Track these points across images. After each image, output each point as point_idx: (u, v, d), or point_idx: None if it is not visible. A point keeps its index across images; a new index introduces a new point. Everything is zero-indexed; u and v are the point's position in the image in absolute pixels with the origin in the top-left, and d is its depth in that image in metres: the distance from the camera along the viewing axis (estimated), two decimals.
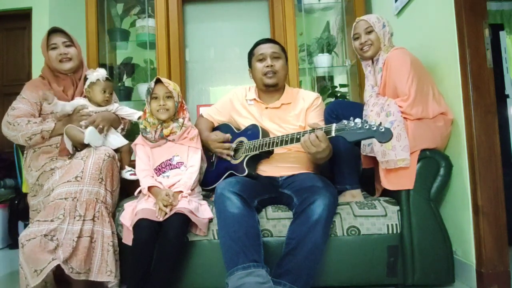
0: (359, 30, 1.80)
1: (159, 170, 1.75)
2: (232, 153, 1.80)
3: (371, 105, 1.70)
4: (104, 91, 1.82)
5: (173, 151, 1.77)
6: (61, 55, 1.83)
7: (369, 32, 1.77)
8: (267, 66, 1.81)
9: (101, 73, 1.80)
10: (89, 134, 1.67)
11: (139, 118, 1.86)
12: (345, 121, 1.38)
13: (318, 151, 1.44)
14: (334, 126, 1.40)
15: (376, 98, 1.71)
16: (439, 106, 1.64)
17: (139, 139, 1.81)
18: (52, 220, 1.51)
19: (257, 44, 1.89)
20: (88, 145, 1.73)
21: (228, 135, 1.83)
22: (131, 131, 1.94)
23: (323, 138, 1.42)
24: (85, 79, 1.84)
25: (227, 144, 1.81)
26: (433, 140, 1.62)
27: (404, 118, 1.59)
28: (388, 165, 1.58)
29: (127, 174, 1.78)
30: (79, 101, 1.82)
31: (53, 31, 1.87)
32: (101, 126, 1.76)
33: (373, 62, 1.81)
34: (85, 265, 1.51)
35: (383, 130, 1.31)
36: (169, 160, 1.75)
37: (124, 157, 1.82)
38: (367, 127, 1.33)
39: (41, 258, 1.45)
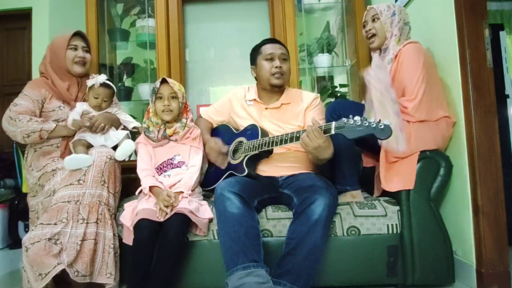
0: (367, 18, 1.81)
1: (161, 169, 1.75)
2: (226, 164, 1.80)
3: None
4: (96, 97, 1.81)
5: (175, 151, 1.77)
6: (79, 58, 1.86)
7: (375, 20, 1.76)
8: (276, 67, 1.80)
9: (98, 79, 1.80)
10: (67, 163, 1.63)
11: (134, 128, 1.88)
12: (344, 119, 1.38)
13: (314, 147, 1.42)
14: (333, 124, 1.40)
15: None
16: (443, 110, 1.63)
17: (141, 138, 1.81)
18: (55, 224, 1.52)
19: (265, 42, 1.88)
20: (91, 146, 1.74)
21: (225, 148, 1.81)
22: (132, 133, 1.95)
23: (317, 132, 1.41)
24: None
25: (221, 156, 1.80)
26: (434, 141, 1.62)
27: (407, 121, 1.58)
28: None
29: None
30: (83, 106, 1.82)
31: (78, 33, 1.91)
32: (102, 125, 1.77)
33: (380, 52, 1.80)
34: (90, 267, 1.52)
35: (382, 127, 1.31)
36: (171, 159, 1.76)
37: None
38: (367, 124, 1.33)
39: (46, 262, 1.45)
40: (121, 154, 1.72)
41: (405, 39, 1.73)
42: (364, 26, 1.83)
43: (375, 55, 1.84)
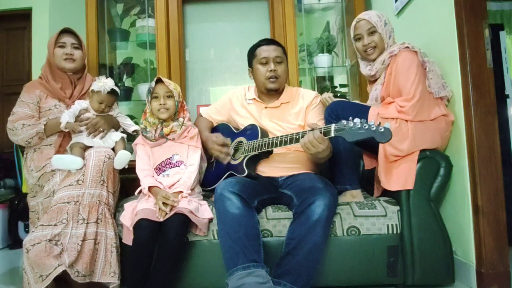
0: (361, 31, 1.77)
1: (159, 169, 1.75)
2: (229, 158, 1.78)
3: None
4: (101, 103, 1.81)
5: (173, 150, 1.77)
6: (67, 55, 1.85)
7: (372, 33, 1.74)
8: (270, 71, 1.79)
9: (106, 85, 1.78)
10: (54, 161, 1.64)
11: (134, 131, 1.88)
12: (344, 121, 1.37)
13: (317, 151, 1.44)
14: (333, 126, 1.40)
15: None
16: (439, 108, 1.63)
17: (139, 139, 1.81)
18: (55, 225, 1.52)
19: (259, 44, 1.87)
20: (88, 148, 1.74)
21: (228, 140, 1.80)
22: (132, 136, 1.95)
23: (320, 140, 1.41)
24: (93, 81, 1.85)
25: (225, 149, 1.79)
26: (433, 140, 1.62)
27: (405, 120, 1.59)
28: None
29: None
30: (81, 104, 1.81)
31: (65, 31, 1.89)
32: (101, 129, 1.77)
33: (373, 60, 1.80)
34: (90, 267, 1.52)
35: (382, 130, 1.31)
36: (169, 159, 1.76)
37: (117, 147, 1.80)
38: (367, 127, 1.32)
39: (46, 263, 1.45)
40: (117, 164, 1.71)
41: (393, 43, 1.75)
42: (358, 39, 1.79)
43: (365, 64, 1.85)
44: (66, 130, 1.75)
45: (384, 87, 1.73)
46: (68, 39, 1.88)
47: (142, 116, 1.82)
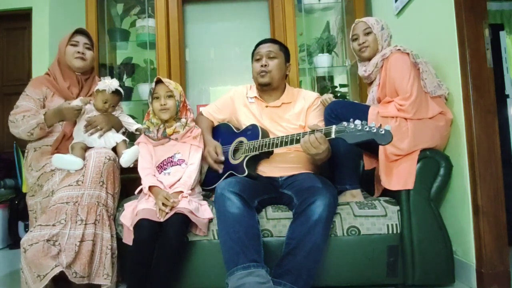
0: (357, 31, 1.84)
1: (161, 167, 1.75)
2: (220, 170, 1.80)
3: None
4: (105, 102, 1.80)
5: (175, 149, 1.78)
6: (78, 53, 1.86)
7: (368, 34, 1.80)
8: (261, 66, 1.82)
9: (111, 85, 1.78)
10: (54, 161, 1.64)
11: (136, 130, 1.87)
12: (345, 123, 1.38)
13: (317, 152, 1.44)
14: (334, 128, 1.40)
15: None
16: (437, 107, 1.64)
17: (141, 138, 1.81)
18: (54, 225, 1.52)
19: (257, 44, 1.91)
20: (89, 148, 1.73)
21: (222, 158, 1.80)
22: (133, 134, 1.95)
23: (322, 140, 1.42)
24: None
25: (216, 165, 1.80)
26: (432, 139, 1.62)
27: (404, 118, 1.59)
28: None
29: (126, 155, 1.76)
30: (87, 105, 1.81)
31: (79, 31, 1.91)
32: (99, 127, 1.76)
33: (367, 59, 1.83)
34: (88, 269, 1.52)
35: (383, 132, 1.31)
36: (171, 157, 1.76)
37: (119, 149, 1.80)
38: (367, 129, 1.32)
39: (44, 263, 1.45)
40: (127, 160, 1.70)
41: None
42: (354, 40, 1.86)
43: (362, 65, 1.88)
44: (81, 104, 1.70)
45: (380, 88, 1.76)
46: (81, 39, 1.89)
47: (145, 117, 1.83)
